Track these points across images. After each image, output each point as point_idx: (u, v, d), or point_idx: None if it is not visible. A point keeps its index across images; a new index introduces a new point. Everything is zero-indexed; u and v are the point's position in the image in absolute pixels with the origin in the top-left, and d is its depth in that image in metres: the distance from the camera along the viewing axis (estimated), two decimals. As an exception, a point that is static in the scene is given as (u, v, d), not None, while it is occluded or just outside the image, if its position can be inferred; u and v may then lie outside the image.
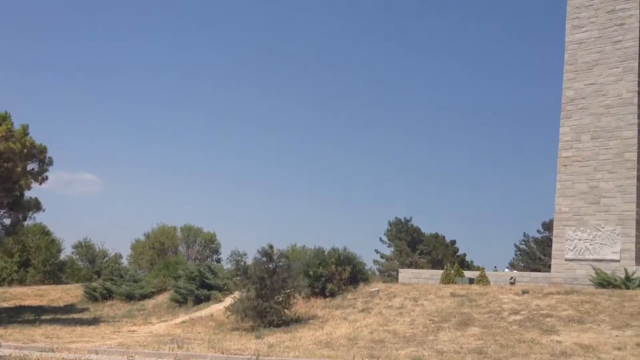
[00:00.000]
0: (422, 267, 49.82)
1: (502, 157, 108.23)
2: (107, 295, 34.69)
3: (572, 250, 29.82)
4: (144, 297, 33.65)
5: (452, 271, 28.00)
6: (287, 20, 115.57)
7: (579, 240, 29.71)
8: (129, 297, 33.71)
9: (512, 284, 27.37)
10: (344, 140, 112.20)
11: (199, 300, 29.77)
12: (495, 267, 43.93)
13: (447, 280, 27.20)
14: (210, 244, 58.31)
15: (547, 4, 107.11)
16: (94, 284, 36.73)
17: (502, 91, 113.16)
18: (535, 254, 55.04)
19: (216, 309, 27.24)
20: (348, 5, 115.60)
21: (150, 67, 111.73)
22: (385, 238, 60.71)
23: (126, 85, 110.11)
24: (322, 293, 25.40)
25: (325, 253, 27.01)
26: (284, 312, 22.73)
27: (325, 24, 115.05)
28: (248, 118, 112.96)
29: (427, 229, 60.58)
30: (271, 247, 23.58)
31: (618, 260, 28.00)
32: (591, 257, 28.96)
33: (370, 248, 65.59)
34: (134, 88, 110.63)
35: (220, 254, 58.16)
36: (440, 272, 28.93)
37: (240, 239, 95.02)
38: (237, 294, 24.27)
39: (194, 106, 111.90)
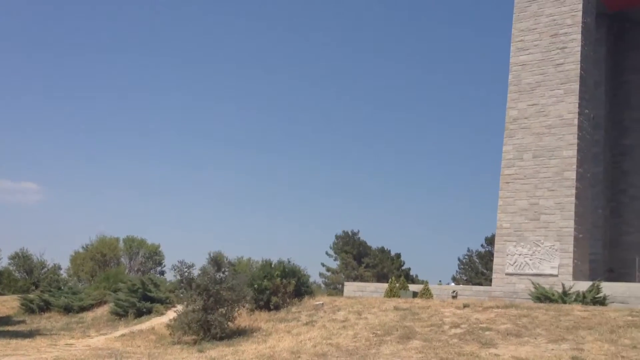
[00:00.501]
0: (367, 281, 50.13)
1: (450, 173, 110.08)
2: (45, 308, 33.71)
3: (512, 265, 30.45)
4: (83, 309, 32.84)
5: (397, 285, 28.27)
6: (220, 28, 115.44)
7: (519, 255, 30.37)
8: (67, 310, 32.84)
9: (454, 297, 27.79)
10: (291, 151, 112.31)
11: (140, 313, 29.20)
12: (440, 281, 44.56)
13: (391, 294, 27.43)
14: (154, 256, 57.33)
15: (492, 24, 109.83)
16: (31, 296, 35.68)
17: (446, 109, 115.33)
18: (477, 268, 56.08)
19: (158, 322, 26.77)
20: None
21: (91, 80, 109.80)
22: (331, 251, 60.93)
23: (70, 96, 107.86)
24: (266, 306, 25.25)
25: (272, 266, 26.90)
26: (228, 325, 22.50)
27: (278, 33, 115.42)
28: (188, 127, 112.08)
29: (373, 242, 61.12)
30: (221, 254, 23.42)
31: (556, 275, 28.71)
32: (531, 271, 29.62)
33: (317, 261, 65.73)
34: (78, 99, 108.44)
35: (164, 265, 57.26)
36: (385, 285, 29.18)
37: (185, 251, 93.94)
38: (180, 307, 23.92)
39: (132, 118, 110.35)
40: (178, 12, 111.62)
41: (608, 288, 24.10)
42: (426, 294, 27.17)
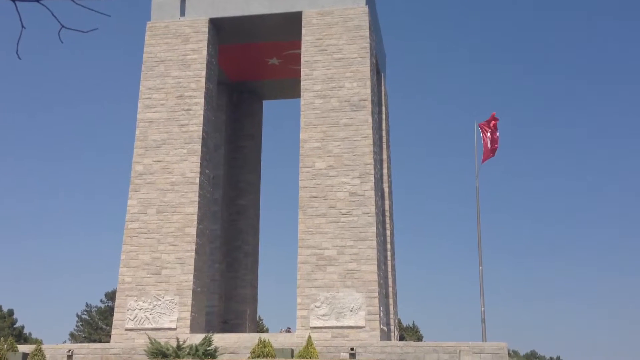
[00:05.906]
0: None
1: (69, 225, 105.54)
2: None
3: (132, 320, 30.36)
4: None
5: (5, 346, 25.87)
6: None
7: (140, 309, 30.46)
8: None
9: (70, 357, 26.58)
10: None
11: None
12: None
13: (-3, 357, 24.96)
14: None
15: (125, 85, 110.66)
16: None
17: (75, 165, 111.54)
18: (97, 324, 54.47)
19: None
20: None
21: None
22: None
23: None
24: None
25: None
26: None
27: None
28: None
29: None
30: None
31: (174, 329, 29.50)
32: (150, 326, 29.89)
33: None
34: None
35: None
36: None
37: None
38: None
39: None
40: None
41: (221, 339, 25.71)
42: (38, 354, 25.39)
